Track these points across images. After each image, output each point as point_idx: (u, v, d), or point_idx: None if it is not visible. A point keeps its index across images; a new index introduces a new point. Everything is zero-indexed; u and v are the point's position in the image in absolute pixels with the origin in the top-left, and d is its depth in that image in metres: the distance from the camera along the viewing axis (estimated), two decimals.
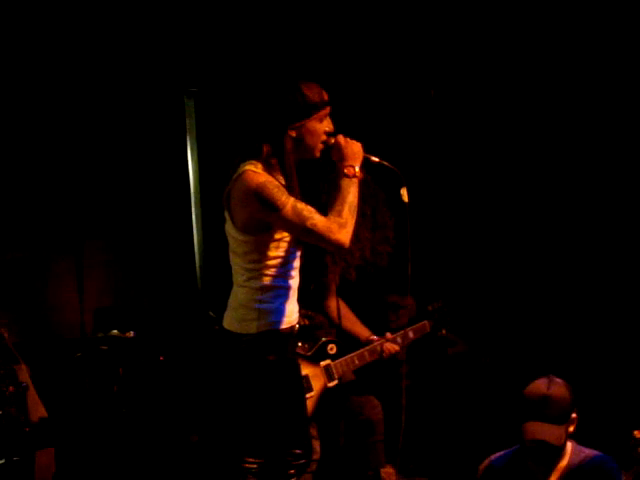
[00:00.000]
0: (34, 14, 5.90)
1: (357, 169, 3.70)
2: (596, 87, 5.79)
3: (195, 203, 6.39)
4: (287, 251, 3.72)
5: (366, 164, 3.80)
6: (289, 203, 3.58)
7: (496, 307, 5.98)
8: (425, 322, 5.03)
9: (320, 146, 3.74)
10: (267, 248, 3.68)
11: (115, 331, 5.62)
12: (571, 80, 5.87)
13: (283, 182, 3.68)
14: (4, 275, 5.53)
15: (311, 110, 3.69)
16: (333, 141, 3.73)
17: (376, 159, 3.82)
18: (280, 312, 3.72)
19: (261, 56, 6.15)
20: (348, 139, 3.74)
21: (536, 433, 3.53)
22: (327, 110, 3.75)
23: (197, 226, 6.38)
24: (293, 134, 3.69)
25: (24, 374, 4.71)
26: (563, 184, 5.93)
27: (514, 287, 6.01)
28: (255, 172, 3.64)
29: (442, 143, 6.23)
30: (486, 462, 3.78)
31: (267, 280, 3.69)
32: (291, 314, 3.77)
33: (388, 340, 4.89)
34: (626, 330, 5.65)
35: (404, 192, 3.85)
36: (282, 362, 3.73)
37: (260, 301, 3.69)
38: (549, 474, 3.62)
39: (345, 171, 3.68)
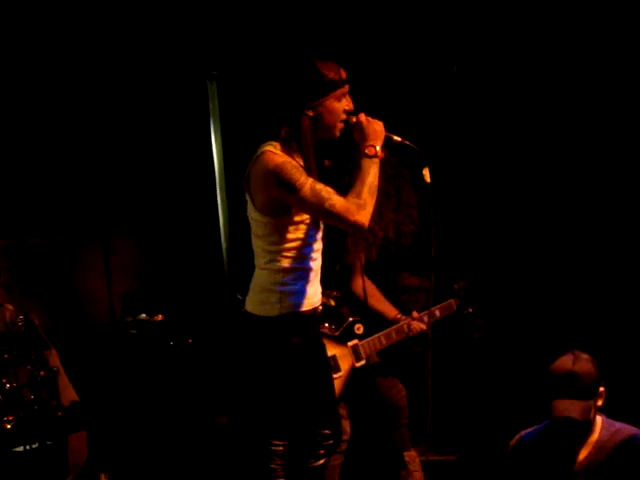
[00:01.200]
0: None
1: (378, 149, 3.64)
2: (626, 62, 5.74)
3: (220, 186, 6.41)
4: (307, 233, 3.69)
5: (388, 144, 3.77)
6: (307, 184, 3.55)
7: (520, 284, 5.96)
8: (451, 301, 5.02)
9: (339, 125, 3.69)
10: (287, 230, 3.65)
11: (143, 315, 5.65)
12: (600, 54, 5.82)
13: (302, 163, 3.66)
14: (33, 261, 5.56)
15: (328, 88, 3.63)
16: (355, 120, 3.67)
17: (398, 138, 3.75)
18: (302, 294, 3.71)
19: (280, 36, 6.14)
20: (370, 118, 3.68)
21: (564, 410, 3.52)
22: (346, 89, 3.69)
23: (222, 209, 6.40)
24: (311, 113, 3.64)
25: (55, 359, 4.75)
26: (588, 163, 5.89)
27: (537, 263, 5.99)
28: (274, 153, 3.62)
29: (465, 120, 6.20)
30: (516, 437, 3.79)
31: (288, 262, 3.68)
32: (313, 296, 3.76)
33: (415, 319, 4.89)
34: None
35: (426, 172, 3.79)
36: (306, 344, 3.72)
37: (281, 283, 3.68)
38: (580, 449, 3.62)
39: (366, 151, 3.62)
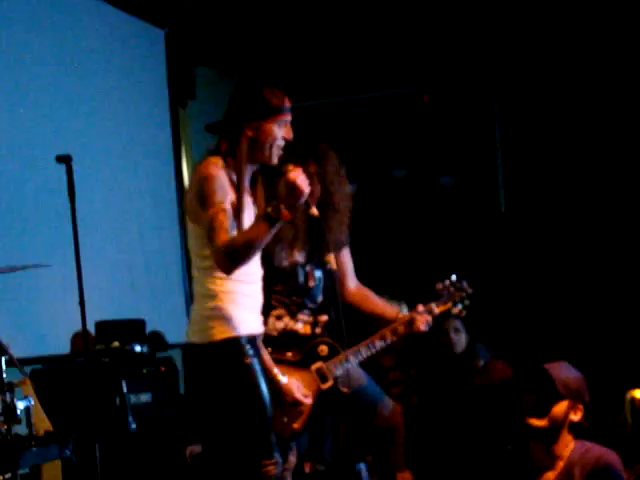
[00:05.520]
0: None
1: (286, 212, 3.51)
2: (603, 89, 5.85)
3: None
4: None
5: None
6: (215, 209, 3.55)
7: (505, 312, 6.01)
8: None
9: (276, 151, 3.74)
10: None
11: (116, 343, 5.65)
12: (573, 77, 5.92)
13: (236, 182, 3.70)
14: (6, 288, 5.53)
15: (270, 112, 3.71)
16: (287, 170, 3.61)
17: (315, 212, 3.93)
18: (237, 319, 3.69)
19: (255, 65, 6.21)
20: (299, 180, 3.55)
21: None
22: (287, 117, 3.76)
23: None
24: (250, 133, 3.71)
25: (28, 388, 4.71)
26: (570, 186, 5.99)
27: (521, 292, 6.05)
28: (212, 163, 3.67)
29: (435, 147, 6.26)
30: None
31: (220, 285, 3.67)
32: (251, 322, 3.75)
33: (419, 313, 4.57)
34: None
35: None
36: (237, 370, 3.69)
37: (215, 309, 3.68)
38: (551, 466, 3.64)
39: (270, 210, 3.52)
